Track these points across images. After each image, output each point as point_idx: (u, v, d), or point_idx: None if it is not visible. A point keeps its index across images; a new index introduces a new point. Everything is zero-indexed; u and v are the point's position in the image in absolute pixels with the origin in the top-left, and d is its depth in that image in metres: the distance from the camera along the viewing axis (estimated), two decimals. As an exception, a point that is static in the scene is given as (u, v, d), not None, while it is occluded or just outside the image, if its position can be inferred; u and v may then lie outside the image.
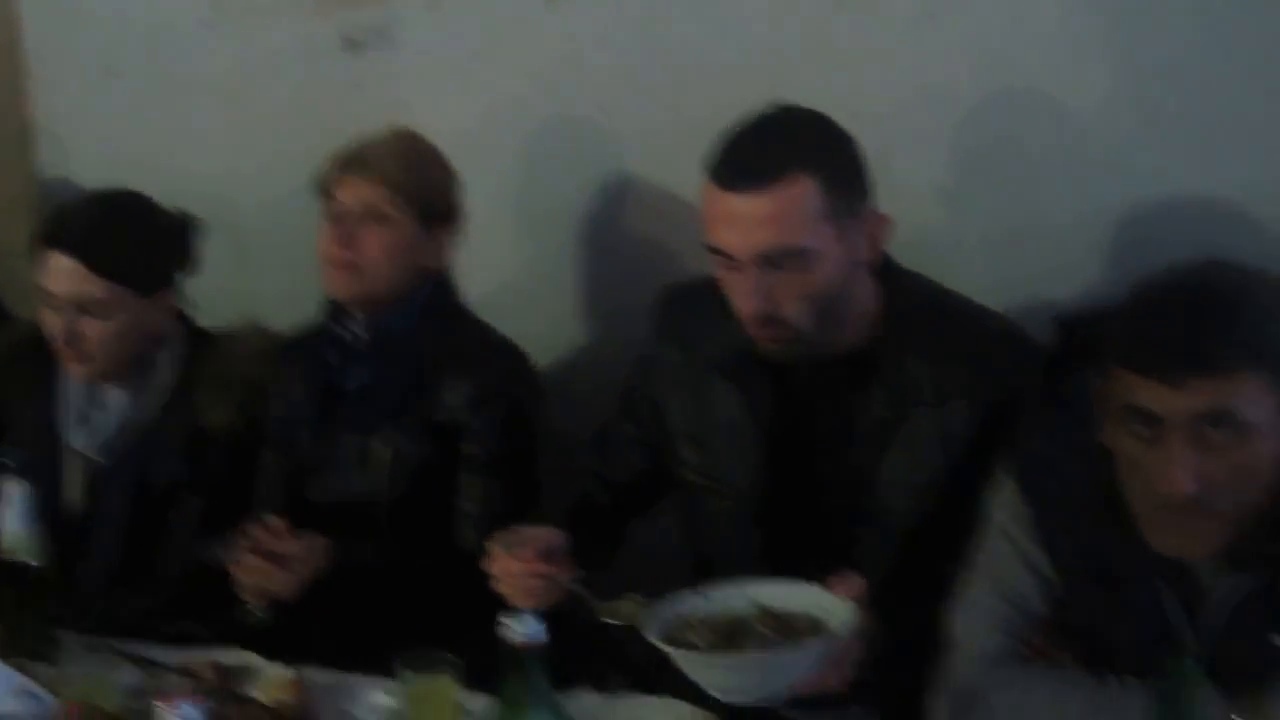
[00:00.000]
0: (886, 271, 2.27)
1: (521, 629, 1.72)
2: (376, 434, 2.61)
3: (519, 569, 2.17)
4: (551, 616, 1.75)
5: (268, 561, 2.43)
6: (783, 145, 2.15)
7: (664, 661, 1.99)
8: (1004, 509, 2.03)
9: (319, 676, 2.25)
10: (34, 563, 2.42)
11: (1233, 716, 1.78)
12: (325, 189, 2.64)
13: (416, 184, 2.61)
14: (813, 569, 2.05)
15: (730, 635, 1.97)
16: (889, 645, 2.06)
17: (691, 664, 1.93)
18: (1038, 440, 2.02)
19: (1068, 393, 1.97)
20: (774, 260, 2.12)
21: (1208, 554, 1.86)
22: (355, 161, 2.62)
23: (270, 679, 2.23)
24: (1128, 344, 1.82)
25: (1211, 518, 1.81)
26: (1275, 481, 1.82)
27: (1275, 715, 1.74)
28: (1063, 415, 1.98)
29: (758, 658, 1.93)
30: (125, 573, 2.72)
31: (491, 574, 2.21)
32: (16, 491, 2.42)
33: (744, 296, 2.16)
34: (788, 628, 1.97)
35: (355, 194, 2.59)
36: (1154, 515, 1.84)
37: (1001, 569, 2.02)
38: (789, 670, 1.93)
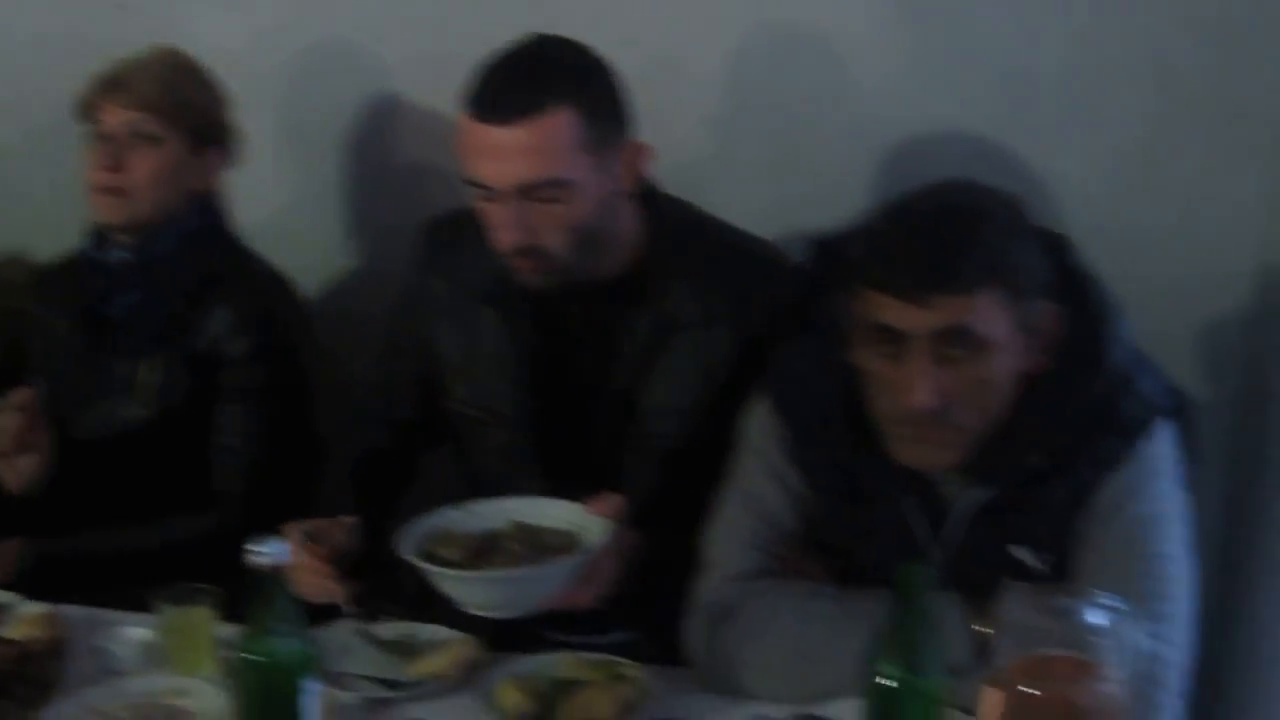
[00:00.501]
0: (651, 199, 2.27)
1: (266, 551, 1.70)
2: (143, 361, 2.56)
3: (311, 566, 2.12)
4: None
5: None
6: (541, 76, 2.14)
7: (434, 590, 1.99)
8: (758, 428, 2.06)
9: (75, 613, 2.20)
10: None
11: (973, 626, 1.84)
12: (86, 113, 2.56)
13: (180, 103, 2.54)
14: (583, 492, 2.07)
15: (484, 551, 1.99)
16: (653, 565, 2.09)
17: (443, 579, 1.95)
18: (791, 360, 2.05)
19: (820, 313, 2.00)
20: (532, 192, 2.11)
21: (949, 467, 1.91)
22: (115, 83, 2.54)
23: (22, 616, 2.17)
24: (870, 263, 1.86)
25: (952, 431, 1.86)
26: (1012, 396, 1.87)
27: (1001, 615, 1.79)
28: (815, 335, 2.01)
29: (508, 573, 1.95)
30: None
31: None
32: None
33: (503, 228, 2.15)
34: (541, 544, 1.99)
35: (117, 116, 2.52)
36: (899, 430, 1.89)
37: (755, 487, 2.06)
38: (540, 585, 1.95)
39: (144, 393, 2.55)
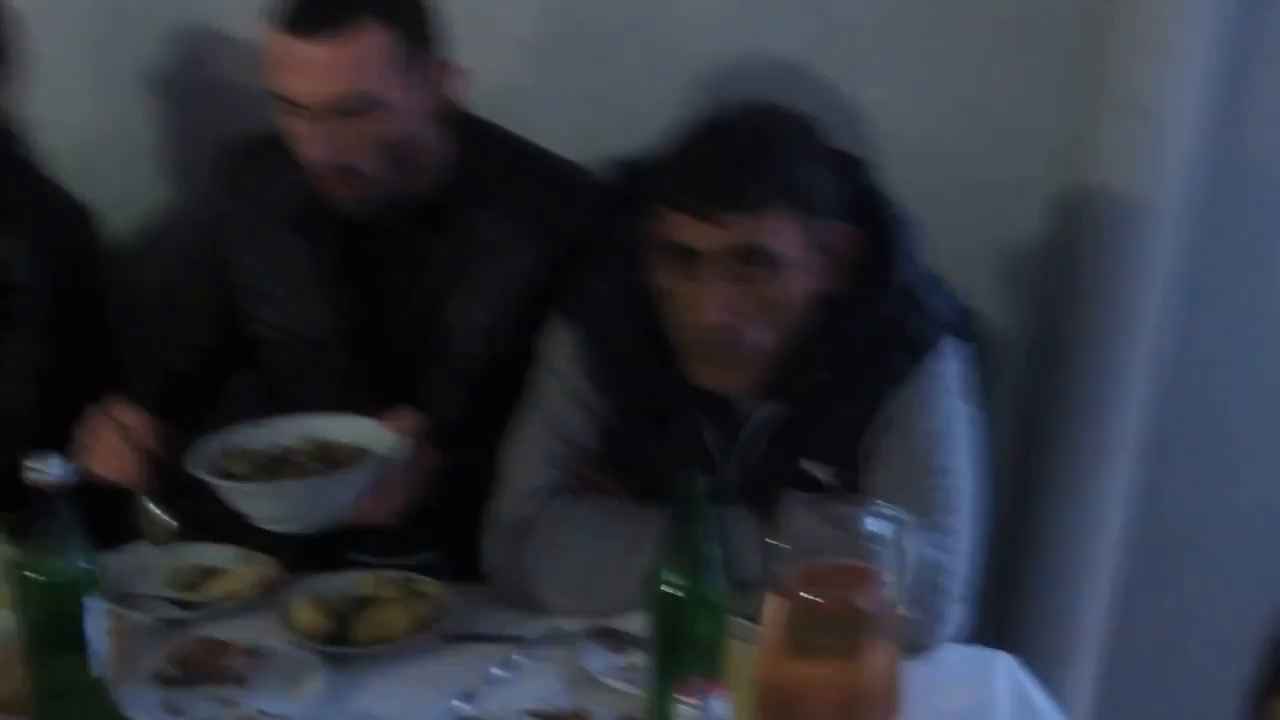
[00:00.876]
0: (462, 122, 2.26)
1: (48, 470, 1.67)
2: None
3: (110, 442, 2.10)
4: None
5: None
6: None
7: (234, 511, 1.98)
8: (558, 348, 2.08)
9: None
10: None
11: (766, 539, 1.87)
12: None
13: None
14: (387, 413, 2.07)
15: (275, 466, 1.99)
16: (457, 485, 2.10)
17: (232, 494, 1.94)
18: (592, 280, 2.07)
19: (622, 234, 2.01)
20: (344, 109, 2.09)
21: (744, 385, 1.94)
22: None
23: None
24: (665, 182, 1.88)
25: (746, 350, 1.89)
26: (805, 315, 1.90)
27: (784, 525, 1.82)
28: (616, 256, 2.02)
29: (298, 484, 1.95)
30: None
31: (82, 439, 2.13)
32: None
33: (312, 146, 2.12)
34: (334, 458, 1.99)
35: None
36: (694, 348, 1.91)
37: (553, 405, 2.07)
38: (332, 497, 1.95)
39: None
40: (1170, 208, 2.34)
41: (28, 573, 1.68)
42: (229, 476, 1.96)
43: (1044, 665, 2.20)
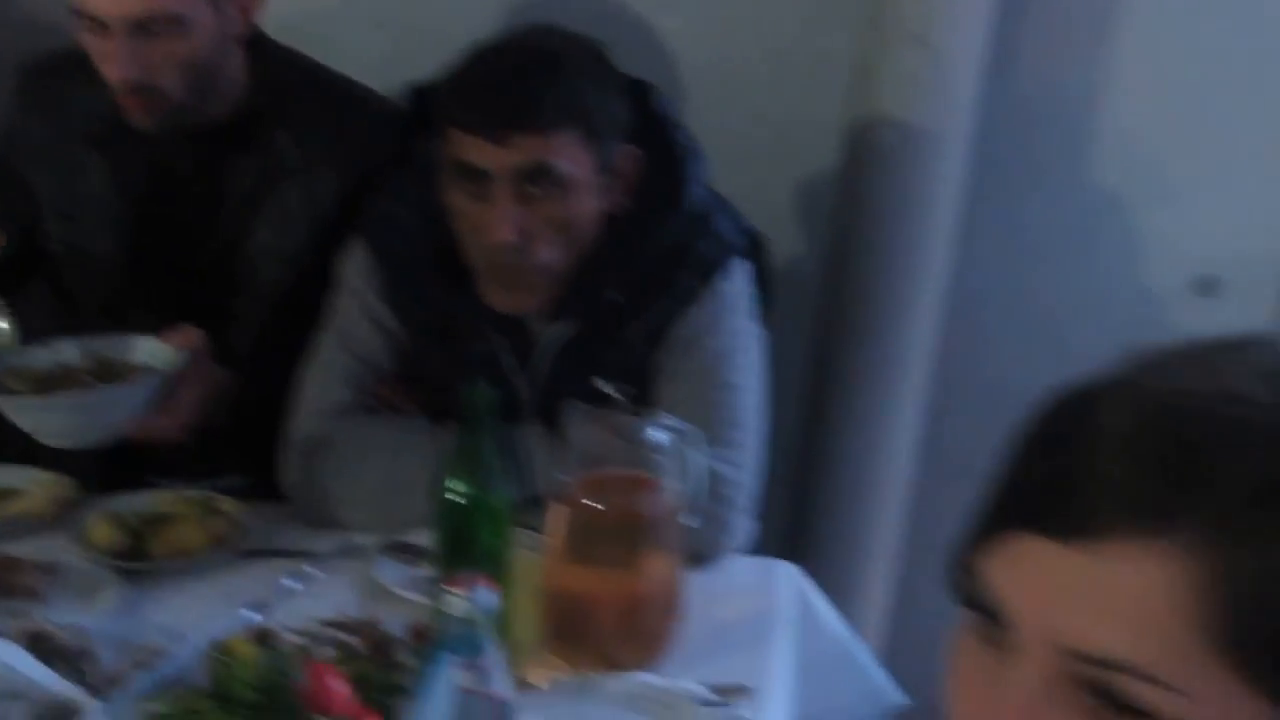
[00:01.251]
0: (260, 46, 2.27)
1: None
2: None
3: None
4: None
5: None
6: None
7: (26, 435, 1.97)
8: (354, 269, 2.11)
9: None
10: None
11: (553, 452, 1.93)
12: None
13: None
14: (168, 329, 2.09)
15: (54, 381, 1.98)
16: (256, 406, 2.12)
17: (10, 407, 1.94)
18: (386, 202, 2.10)
19: (416, 156, 2.04)
20: (147, 26, 2.08)
21: (534, 306, 1.98)
22: None
23: None
24: (454, 102, 1.91)
25: (535, 270, 1.93)
26: (593, 235, 1.96)
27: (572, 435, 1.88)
28: (410, 178, 2.05)
29: (75, 396, 1.95)
30: None
31: None
32: None
33: (114, 64, 2.11)
34: (114, 374, 2.00)
35: None
36: (486, 269, 1.96)
37: (349, 325, 2.10)
38: (111, 410, 1.96)
39: None
40: (952, 139, 2.43)
41: None
42: (7, 393, 1.96)
43: (834, 579, 2.29)
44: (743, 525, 2.00)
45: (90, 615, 1.79)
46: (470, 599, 1.35)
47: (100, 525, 1.97)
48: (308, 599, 1.87)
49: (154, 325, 2.14)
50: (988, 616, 0.88)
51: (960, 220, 2.49)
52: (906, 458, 2.63)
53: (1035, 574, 0.85)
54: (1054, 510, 0.84)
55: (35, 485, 2.10)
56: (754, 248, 2.11)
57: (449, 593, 1.36)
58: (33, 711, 1.54)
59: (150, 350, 2.03)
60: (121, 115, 2.18)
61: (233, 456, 2.21)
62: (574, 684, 1.70)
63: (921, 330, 2.52)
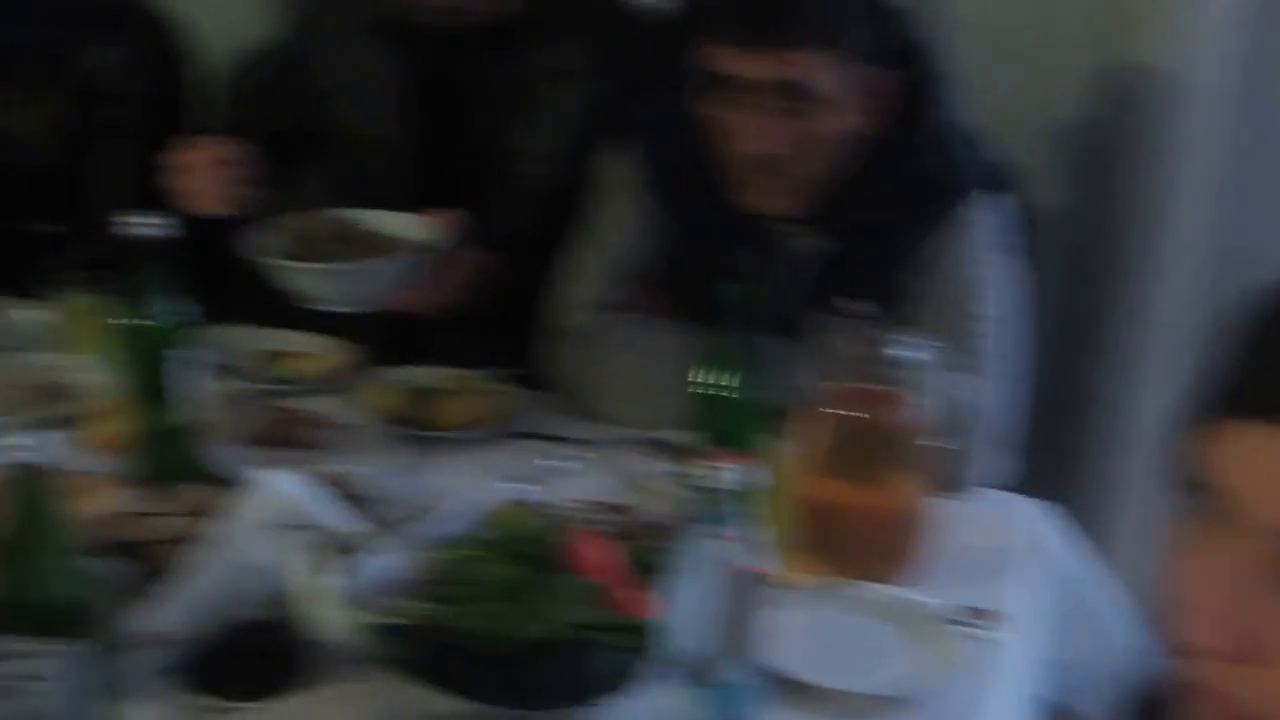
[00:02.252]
0: None
1: (148, 224, 1.79)
2: (27, 93, 2.56)
3: (206, 158, 2.21)
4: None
5: None
6: None
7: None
8: (618, 173, 2.20)
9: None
10: None
11: (803, 363, 1.99)
12: None
13: None
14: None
15: (321, 249, 2.11)
16: (512, 295, 2.23)
17: (282, 271, 2.06)
18: (648, 109, 2.18)
19: (678, 64, 2.11)
20: None
21: (786, 214, 2.06)
22: None
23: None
24: (715, 15, 2.00)
25: (789, 180, 2.01)
26: (848, 155, 2.02)
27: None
28: (669, 85, 2.12)
29: (341, 265, 2.07)
30: None
31: (172, 175, 2.23)
32: None
33: None
34: (379, 246, 2.12)
35: None
36: (738, 176, 2.04)
37: (609, 228, 2.20)
38: (376, 280, 2.08)
39: (26, 124, 2.56)
40: (1215, 91, 2.41)
41: (124, 321, 1.83)
42: (281, 257, 2.07)
43: (1088, 521, 2.30)
44: (993, 459, 2.03)
45: (370, 473, 1.91)
46: (729, 474, 1.41)
47: (380, 391, 2.10)
48: (566, 482, 1.96)
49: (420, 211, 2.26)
50: (1205, 500, 0.90)
51: (1221, 174, 2.48)
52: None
53: (1256, 458, 0.87)
54: (1274, 397, 0.87)
55: (318, 349, 2.23)
56: (1005, 181, 2.14)
57: (709, 468, 1.42)
58: (318, 543, 1.67)
59: (417, 227, 2.15)
60: (403, 6, 2.29)
61: (490, 343, 2.31)
62: (823, 587, 1.76)
63: (1180, 286, 2.51)
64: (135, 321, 1.81)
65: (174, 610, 1.62)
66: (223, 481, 1.85)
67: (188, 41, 2.64)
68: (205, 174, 2.21)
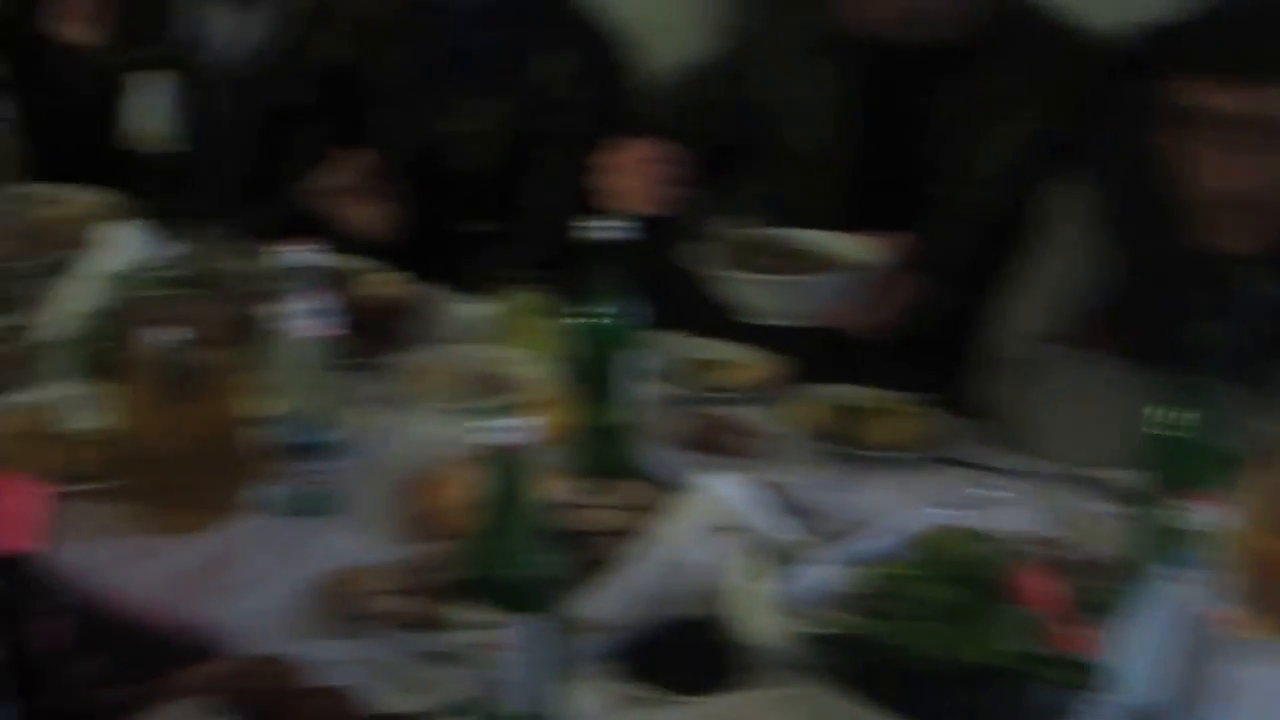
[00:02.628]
0: None
1: (607, 227, 1.84)
2: (482, 100, 2.68)
3: (639, 158, 2.26)
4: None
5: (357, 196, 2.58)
6: None
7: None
8: (1064, 204, 2.14)
9: (419, 288, 2.42)
10: (171, 153, 2.57)
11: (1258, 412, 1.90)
12: None
13: None
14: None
15: (764, 260, 2.13)
16: (953, 325, 2.20)
17: (727, 282, 2.09)
18: (1103, 140, 2.12)
19: (1140, 96, 2.05)
20: None
21: (1249, 252, 1.97)
22: None
23: (372, 277, 2.39)
24: (1192, 47, 1.93)
25: (1254, 218, 1.92)
26: None
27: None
28: (1130, 117, 2.06)
29: (782, 278, 2.09)
30: (249, 186, 2.87)
31: (605, 175, 2.30)
32: (162, 85, 2.57)
33: None
34: (816, 263, 2.13)
35: None
36: (1203, 213, 1.96)
37: (1056, 260, 2.14)
38: (815, 295, 2.09)
39: (483, 133, 2.68)
40: None
41: (576, 318, 1.88)
42: (725, 267, 2.11)
43: None
44: None
45: (798, 485, 1.91)
46: (1193, 515, 1.36)
47: (808, 406, 2.11)
48: (997, 512, 1.92)
49: (859, 230, 2.25)
50: None
51: None
52: None
53: None
54: None
55: (750, 360, 2.26)
56: None
57: (1172, 509, 1.37)
58: (755, 548, 1.68)
59: (855, 246, 2.14)
60: (853, 21, 2.28)
61: (922, 367, 2.29)
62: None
63: None
64: (587, 320, 1.87)
65: (612, 600, 1.66)
66: (655, 481, 1.90)
67: (630, 54, 2.71)
68: (636, 173, 2.26)
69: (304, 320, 1.82)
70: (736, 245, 2.16)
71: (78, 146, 2.89)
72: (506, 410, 1.39)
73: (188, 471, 1.83)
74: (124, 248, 2.30)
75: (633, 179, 2.26)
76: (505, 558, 1.37)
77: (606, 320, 1.86)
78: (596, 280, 1.86)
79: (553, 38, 2.65)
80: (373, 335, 2.19)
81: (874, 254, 2.14)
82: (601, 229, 1.84)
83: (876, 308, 2.14)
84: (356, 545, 1.83)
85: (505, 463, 1.36)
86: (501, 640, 1.39)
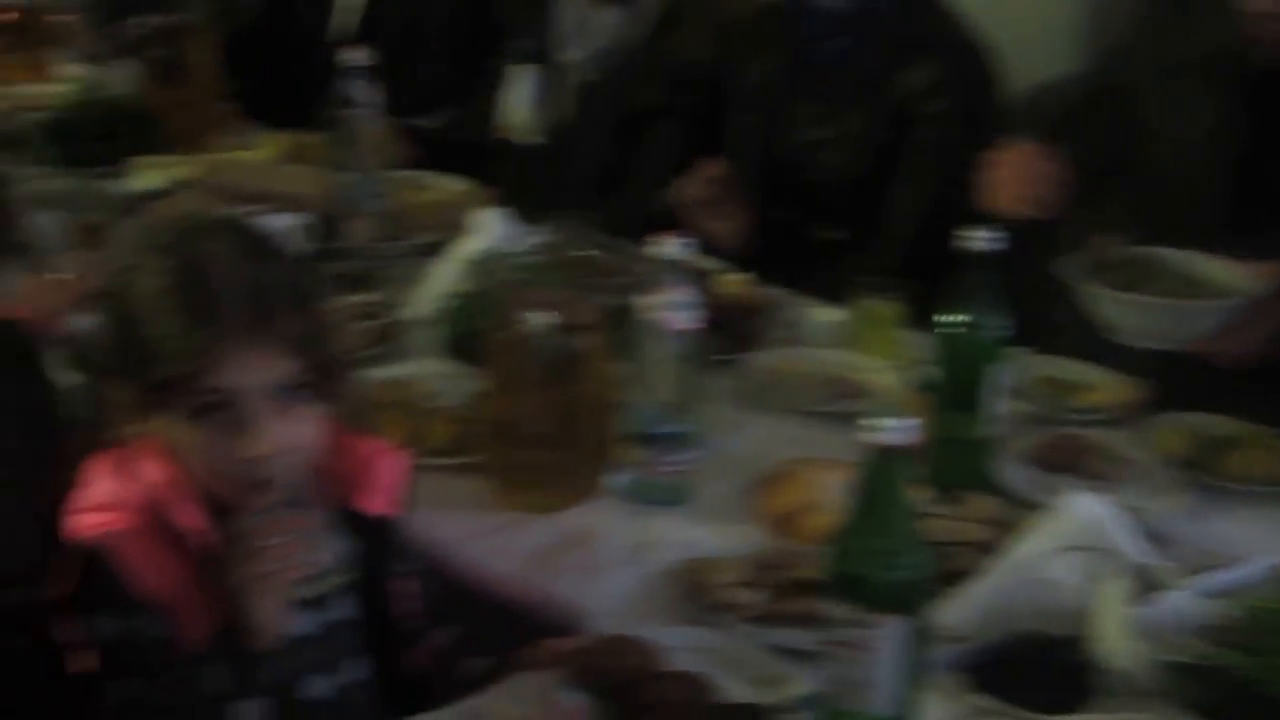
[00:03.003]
0: None
1: (980, 239, 1.83)
2: (842, 110, 2.67)
3: (1020, 158, 2.25)
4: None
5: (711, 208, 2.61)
6: None
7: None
8: None
9: (771, 291, 2.44)
10: (534, 144, 2.65)
11: None
12: None
13: None
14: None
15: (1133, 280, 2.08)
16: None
17: (1100, 300, 2.06)
18: None
19: None
20: None
21: None
22: None
23: (727, 277, 2.42)
24: None
25: None
26: None
27: None
28: None
29: (1160, 301, 2.04)
30: (602, 182, 2.94)
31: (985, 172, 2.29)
32: (526, 77, 2.65)
33: None
34: (1186, 285, 2.08)
35: None
36: None
37: None
38: (1191, 320, 2.04)
39: (842, 142, 2.67)
40: None
41: (948, 328, 1.87)
42: (1100, 286, 2.07)
43: None
44: None
45: (1157, 512, 1.87)
46: None
47: (1169, 433, 2.06)
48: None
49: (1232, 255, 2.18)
50: None
51: None
52: None
53: None
54: None
55: (1109, 382, 2.21)
56: None
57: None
58: (1118, 571, 1.65)
59: (1231, 273, 2.09)
60: (1240, 46, 2.21)
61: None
62: None
63: None
64: (956, 330, 1.85)
65: (967, 611, 1.64)
66: (1008, 496, 1.88)
67: (997, 65, 2.68)
68: (1013, 171, 2.23)
69: (671, 312, 1.85)
70: (1107, 262, 2.12)
71: (440, 133, 3.02)
72: (890, 412, 1.38)
73: (551, 453, 1.88)
74: (490, 234, 2.38)
75: (1007, 176, 2.24)
76: (880, 558, 1.37)
77: (976, 331, 1.85)
78: (967, 290, 1.85)
79: (916, 47, 2.63)
80: (727, 333, 2.22)
81: (1247, 281, 2.07)
82: (974, 239, 1.83)
83: (1246, 336, 2.07)
84: (705, 536, 1.86)
85: (887, 463, 1.36)
86: (866, 640, 1.39)
